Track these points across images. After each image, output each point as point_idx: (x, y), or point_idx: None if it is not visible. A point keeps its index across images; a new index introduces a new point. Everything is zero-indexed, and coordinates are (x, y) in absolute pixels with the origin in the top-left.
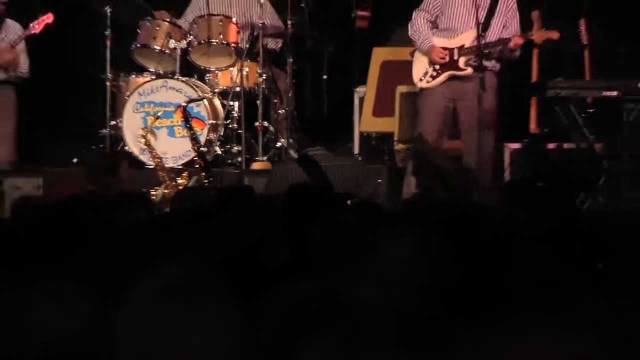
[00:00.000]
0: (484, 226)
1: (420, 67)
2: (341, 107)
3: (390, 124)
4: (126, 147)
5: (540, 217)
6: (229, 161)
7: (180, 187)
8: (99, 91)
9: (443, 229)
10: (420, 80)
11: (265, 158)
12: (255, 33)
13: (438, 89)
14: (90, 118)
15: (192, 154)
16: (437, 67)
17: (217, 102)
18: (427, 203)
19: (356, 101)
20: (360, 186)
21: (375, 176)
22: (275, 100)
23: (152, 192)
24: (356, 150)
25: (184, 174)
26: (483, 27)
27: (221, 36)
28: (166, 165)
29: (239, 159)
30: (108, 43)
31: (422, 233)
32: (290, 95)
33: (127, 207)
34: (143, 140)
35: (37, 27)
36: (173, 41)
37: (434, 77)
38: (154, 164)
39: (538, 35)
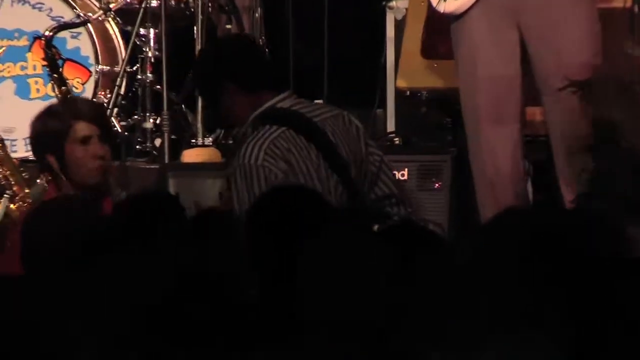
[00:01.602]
0: None
1: None
2: (357, 40)
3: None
4: None
5: None
6: (139, 146)
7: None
8: None
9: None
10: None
11: (209, 140)
12: None
13: (477, 9)
14: None
15: None
16: None
17: (112, 29)
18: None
19: (389, 28)
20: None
21: (427, 175)
22: (229, 27)
23: None
24: (390, 125)
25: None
26: None
27: None
28: (12, 155)
29: (158, 142)
30: None
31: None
32: (257, 15)
33: None
34: None
35: None
36: None
37: None
38: None
39: None
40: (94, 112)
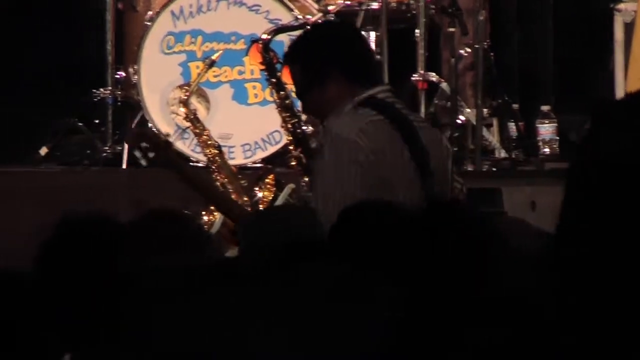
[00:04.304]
0: None
1: None
2: (584, 44)
3: None
4: (149, 125)
5: None
6: None
7: (262, 205)
8: (93, 14)
9: None
10: None
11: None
12: None
13: None
14: (77, 66)
15: (285, 139)
16: None
17: None
18: None
19: (618, 32)
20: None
21: None
22: (452, 29)
23: (203, 215)
24: None
25: (268, 179)
26: None
27: None
28: (229, 162)
29: None
30: None
31: None
32: (482, 18)
33: (158, 243)
34: (182, 110)
35: None
36: None
37: None
38: (204, 157)
39: None
40: None
